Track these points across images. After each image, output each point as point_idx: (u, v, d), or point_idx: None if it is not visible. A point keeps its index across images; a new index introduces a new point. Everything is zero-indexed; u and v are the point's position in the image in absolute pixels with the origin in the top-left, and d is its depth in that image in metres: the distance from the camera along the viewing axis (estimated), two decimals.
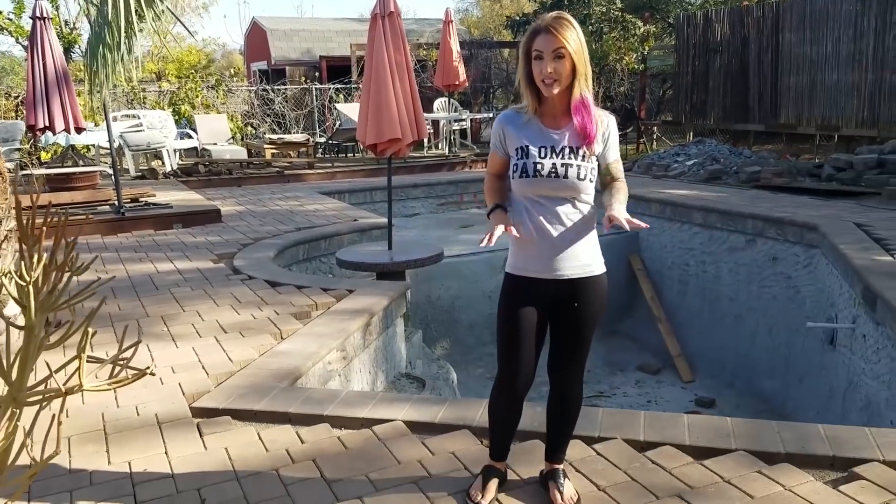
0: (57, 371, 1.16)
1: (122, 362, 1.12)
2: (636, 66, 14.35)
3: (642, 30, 14.20)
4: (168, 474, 2.73)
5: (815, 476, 2.60)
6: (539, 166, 2.26)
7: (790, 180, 9.27)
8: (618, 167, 2.39)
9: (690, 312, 8.30)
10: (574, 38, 2.19)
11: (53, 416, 1.13)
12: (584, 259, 2.34)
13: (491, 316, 7.93)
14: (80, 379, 1.05)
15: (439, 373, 5.83)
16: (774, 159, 11.00)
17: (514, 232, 2.26)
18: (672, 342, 8.08)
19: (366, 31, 6.18)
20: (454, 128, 14.07)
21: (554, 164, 2.26)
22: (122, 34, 4.71)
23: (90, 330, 1.07)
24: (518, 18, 15.31)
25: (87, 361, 1.15)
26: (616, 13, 14.23)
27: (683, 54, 13.93)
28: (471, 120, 14.84)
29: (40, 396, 1.05)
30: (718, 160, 10.89)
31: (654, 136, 14.91)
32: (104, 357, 1.19)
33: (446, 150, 13.76)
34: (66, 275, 1.07)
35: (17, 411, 1.05)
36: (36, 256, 1.08)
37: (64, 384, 1.15)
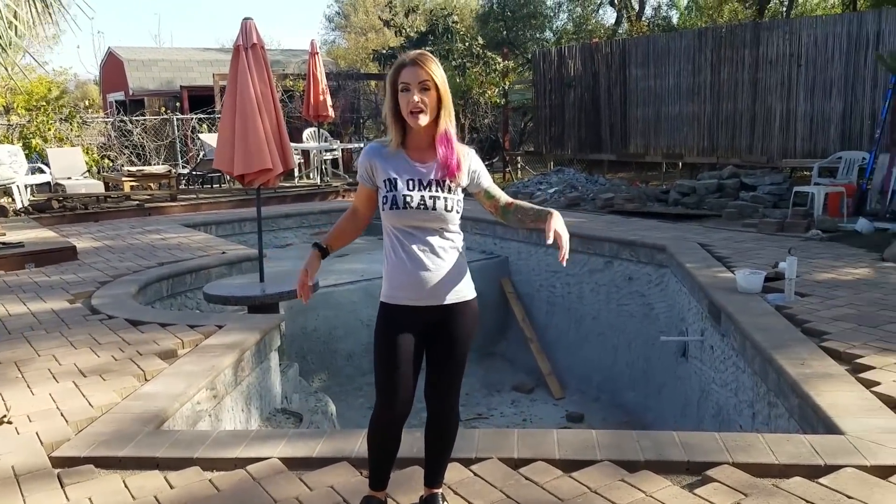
0: None
1: None
2: (498, 100, 14.94)
3: (502, 65, 14.81)
4: None
5: (673, 481, 2.79)
6: (408, 198, 2.33)
7: (641, 205, 9.94)
8: (496, 188, 2.52)
9: (559, 332, 8.67)
10: (439, 72, 2.31)
11: None
12: (455, 286, 2.42)
13: (370, 345, 7.91)
14: None
15: (317, 406, 5.75)
16: (626, 186, 11.77)
17: (302, 298, 2.52)
18: (543, 361, 8.39)
19: (229, 60, 6.10)
20: (325, 157, 14.03)
21: (423, 196, 2.34)
22: None
23: None
24: (384, 52, 15.55)
25: None
26: (477, 49, 14.77)
27: (541, 88, 14.66)
28: (342, 150, 14.85)
29: None
30: (577, 188, 11.52)
31: (519, 166, 15.52)
32: None
33: (318, 180, 13.69)
34: None
35: None
36: None
37: None
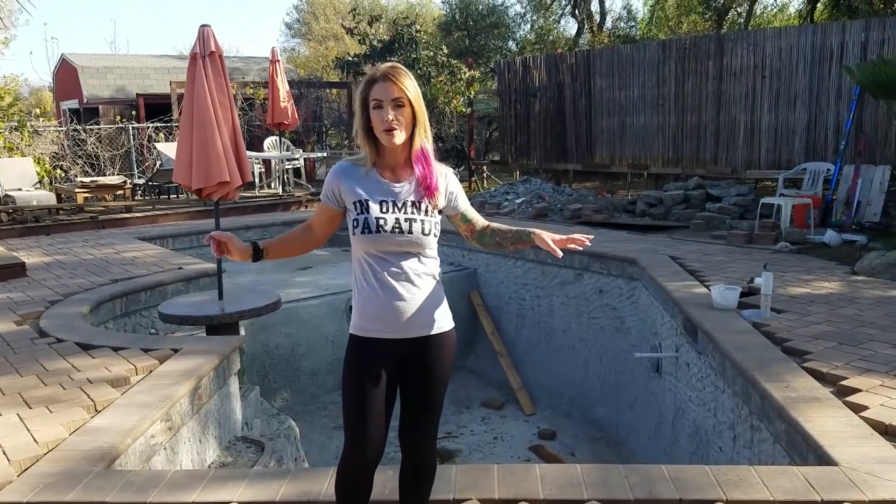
0: None
1: None
2: (464, 109, 14.83)
3: (467, 74, 14.69)
4: None
5: None
6: (382, 221, 2.15)
7: (609, 216, 9.87)
8: (473, 211, 2.39)
9: (529, 345, 8.52)
10: (412, 87, 2.14)
11: None
12: (432, 315, 2.25)
13: (335, 362, 7.72)
14: None
15: (280, 429, 5.49)
16: (593, 196, 11.71)
17: (214, 250, 2.44)
18: (513, 376, 8.23)
19: (186, 67, 5.84)
20: (287, 167, 13.72)
21: (397, 218, 2.16)
22: None
23: None
24: (349, 59, 15.29)
25: None
26: (442, 58, 14.63)
27: (506, 98, 14.56)
28: (304, 159, 14.56)
29: None
30: (544, 198, 11.42)
31: (485, 175, 15.40)
32: None
33: (280, 190, 13.37)
34: None
35: None
36: None
37: None
